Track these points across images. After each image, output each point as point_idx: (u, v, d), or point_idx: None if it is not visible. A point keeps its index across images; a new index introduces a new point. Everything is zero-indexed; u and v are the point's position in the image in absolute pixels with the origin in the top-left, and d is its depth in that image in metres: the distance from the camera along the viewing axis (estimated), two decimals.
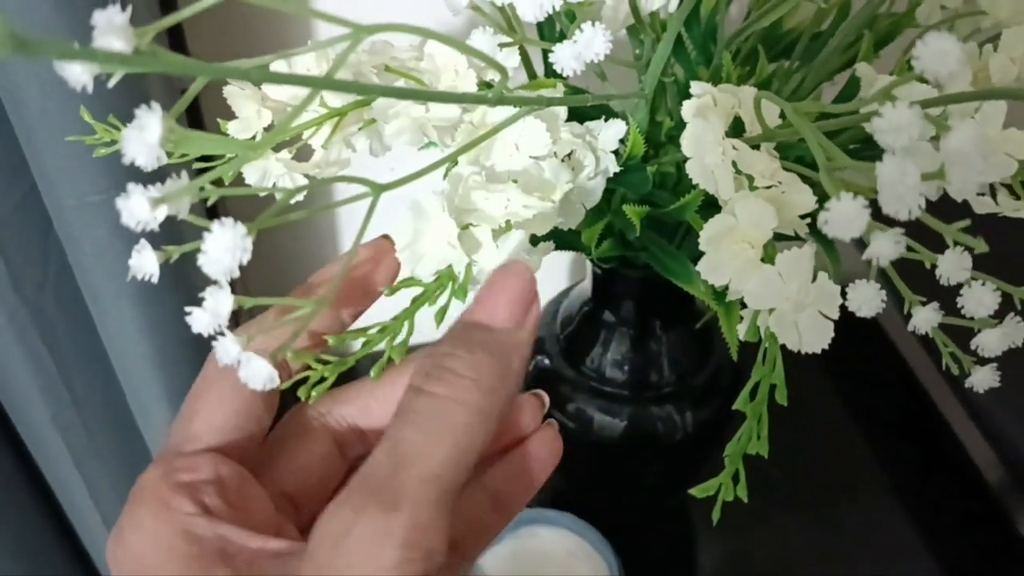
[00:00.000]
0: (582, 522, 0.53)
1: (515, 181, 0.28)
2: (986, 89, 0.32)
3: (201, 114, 0.52)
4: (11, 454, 0.56)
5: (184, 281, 0.44)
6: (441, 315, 0.29)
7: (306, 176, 0.35)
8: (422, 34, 0.22)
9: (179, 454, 0.26)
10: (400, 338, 0.28)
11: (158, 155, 0.21)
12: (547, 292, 0.60)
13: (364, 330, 0.28)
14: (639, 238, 0.40)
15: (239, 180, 0.33)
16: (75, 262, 0.45)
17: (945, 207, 0.27)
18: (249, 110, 0.33)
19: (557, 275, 0.71)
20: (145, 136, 0.20)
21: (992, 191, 0.35)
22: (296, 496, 0.27)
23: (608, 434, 0.54)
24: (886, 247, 0.23)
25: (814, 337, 0.27)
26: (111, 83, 0.22)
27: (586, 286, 0.54)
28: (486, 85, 0.39)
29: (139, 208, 0.21)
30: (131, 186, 0.21)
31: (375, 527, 0.21)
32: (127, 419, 0.53)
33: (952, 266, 0.26)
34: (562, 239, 0.44)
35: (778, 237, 0.30)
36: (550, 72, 0.44)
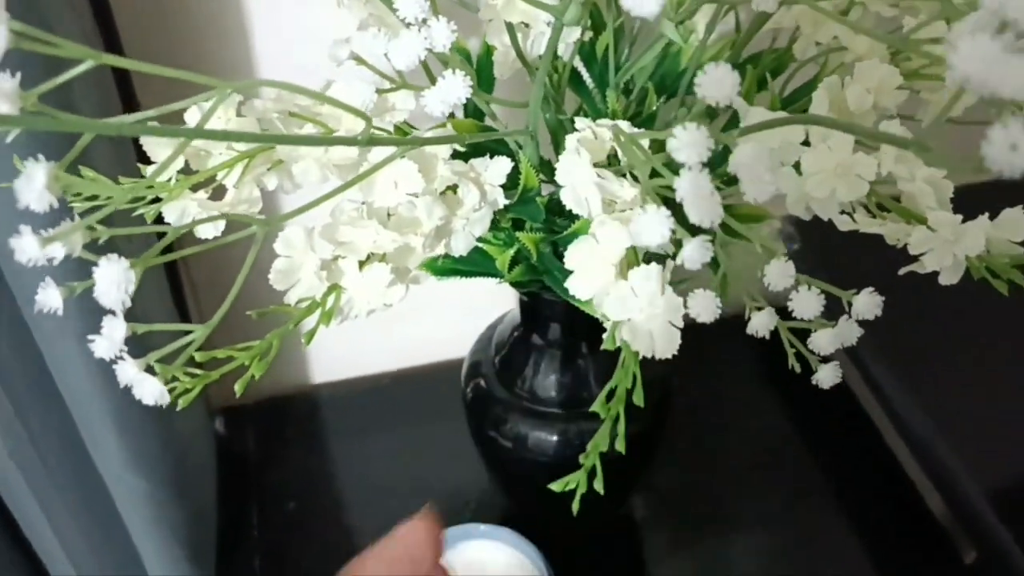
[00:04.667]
0: (517, 535, 0.56)
1: (390, 216, 0.31)
2: (809, 115, 0.35)
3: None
4: None
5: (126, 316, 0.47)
6: (309, 337, 0.32)
7: (222, 214, 0.38)
8: (287, 88, 0.26)
9: None
10: (267, 357, 0.31)
11: (49, 200, 0.24)
12: (491, 316, 0.63)
13: (239, 348, 0.31)
14: (540, 262, 0.43)
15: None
16: (23, 304, 0.48)
17: None
18: (163, 154, 0.36)
19: (506, 300, 0.75)
20: (34, 184, 0.23)
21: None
22: None
23: (542, 450, 0.56)
24: (695, 252, 0.26)
25: (664, 344, 0.30)
26: (8, 139, 0.25)
27: (516, 312, 0.57)
28: (400, 129, 0.42)
29: (30, 246, 0.24)
30: (22, 226, 0.24)
31: None
32: (81, 451, 0.55)
33: (778, 274, 0.29)
34: (478, 267, 0.47)
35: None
36: (469, 111, 0.48)
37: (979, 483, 0.64)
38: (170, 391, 0.29)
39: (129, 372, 0.27)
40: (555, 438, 0.56)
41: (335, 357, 0.78)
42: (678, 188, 0.24)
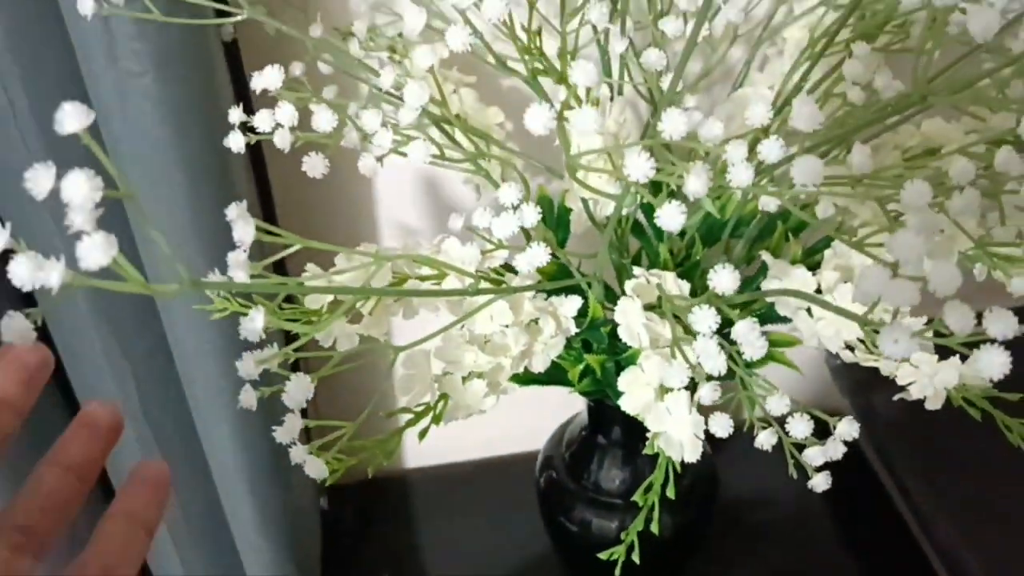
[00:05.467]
0: None
1: (486, 341, 0.42)
2: (808, 294, 0.44)
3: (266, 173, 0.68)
4: None
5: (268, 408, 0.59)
6: (423, 434, 0.42)
7: (359, 335, 0.49)
8: (421, 260, 0.37)
9: None
10: (394, 449, 0.42)
11: (260, 334, 0.35)
12: (561, 418, 0.73)
13: (372, 441, 0.41)
14: (603, 376, 0.53)
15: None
16: (190, 396, 0.60)
17: None
18: (322, 297, 0.48)
19: (577, 402, 0.85)
20: (255, 326, 0.35)
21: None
22: None
23: (605, 535, 0.66)
24: (707, 394, 0.36)
25: (690, 451, 0.40)
26: (234, 291, 0.37)
27: (584, 415, 0.67)
28: (495, 271, 0.54)
29: (248, 366, 0.35)
30: (244, 354, 0.35)
31: None
32: (220, 517, 0.67)
33: (775, 404, 0.39)
34: (554, 378, 0.57)
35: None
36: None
37: None
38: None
39: (300, 454, 0.38)
40: (615, 525, 0.65)
41: (426, 446, 0.88)
42: (695, 348, 0.35)
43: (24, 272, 0.24)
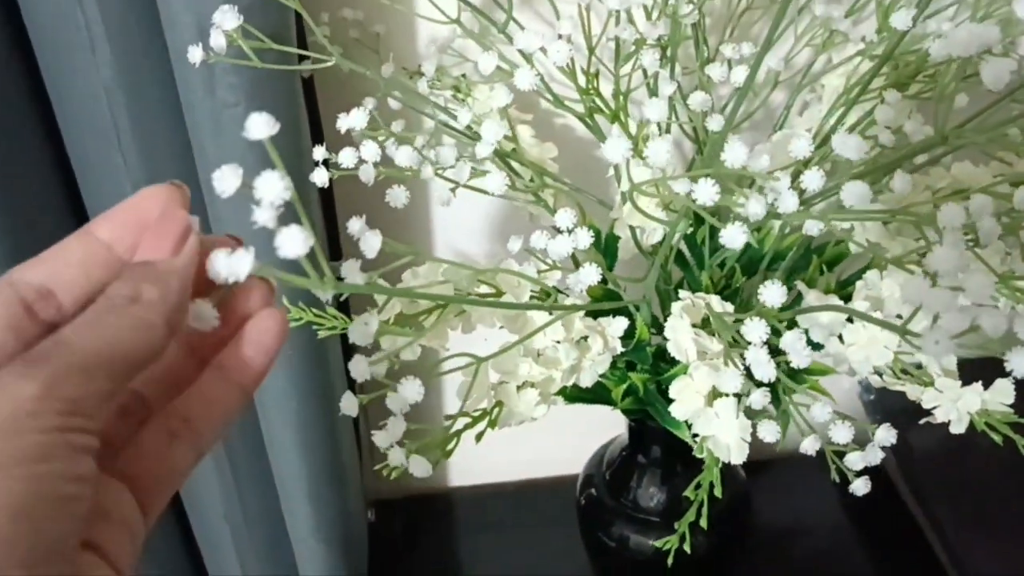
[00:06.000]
0: None
1: (539, 355, 0.46)
2: (844, 306, 0.48)
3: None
4: (183, 549, 0.74)
5: (330, 416, 0.63)
6: (479, 437, 0.46)
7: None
8: (514, 274, 0.41)
9: None
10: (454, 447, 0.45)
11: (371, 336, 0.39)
12: (600, 443, 0.76)
13: (424, 441, 0.45)
14: (646, 395, 0.57)
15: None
16: (258, 402, 0.64)
17: None
18: (394, 307, 0.52)
19: (616, 426, 0.89)
20: (369, 329, 0.39)
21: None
22: None
23: (642, 551, 0.69)
24: (757, 398, 0.39)
25: (737, 453, 0.44)
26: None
27: (625, 436, 0.71)
28: (545, 293, 0.58)
29: (360, 368, 0.39)
30: (356, 356, 0.39)
31: (20, 371, 0.24)
32: (277, 516, 0.71)
33: (819, 412, 0.42)
34: (598, 396, 0.61)
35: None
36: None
37: None
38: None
39: (400, 456, 0.42)
40: (652, 541, 0.68)
41: (470, 465, 0.93)
42: (747, 357, 0.38)
43: (220, 264, 0.26)
